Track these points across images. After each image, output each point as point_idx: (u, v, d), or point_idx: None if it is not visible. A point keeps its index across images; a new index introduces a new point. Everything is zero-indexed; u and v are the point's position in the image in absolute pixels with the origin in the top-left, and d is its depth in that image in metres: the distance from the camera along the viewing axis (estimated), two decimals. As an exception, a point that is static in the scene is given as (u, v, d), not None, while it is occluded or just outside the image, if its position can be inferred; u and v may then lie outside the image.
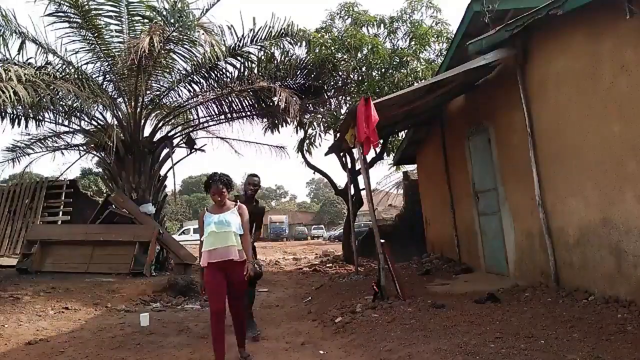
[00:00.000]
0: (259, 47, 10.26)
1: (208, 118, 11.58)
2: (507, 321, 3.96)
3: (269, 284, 8.39)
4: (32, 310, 5.92)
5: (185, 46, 9.73)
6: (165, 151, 10.95)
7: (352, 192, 10.38)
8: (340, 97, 10.88)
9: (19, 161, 11.96)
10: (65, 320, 5.63)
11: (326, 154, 9.53)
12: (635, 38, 3.76)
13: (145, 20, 9.70)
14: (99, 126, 10.37)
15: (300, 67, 10.66)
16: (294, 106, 8.71)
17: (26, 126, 10.36)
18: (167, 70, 10.33)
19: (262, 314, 5.77)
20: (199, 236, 3.92)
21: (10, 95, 6.66)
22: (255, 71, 10.52)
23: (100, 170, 11.77)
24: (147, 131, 10.72)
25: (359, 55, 9.77)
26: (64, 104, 9.84)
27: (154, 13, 9.59)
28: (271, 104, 10.35)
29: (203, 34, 8.65)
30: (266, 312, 6.03)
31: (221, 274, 3.75)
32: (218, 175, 3.90)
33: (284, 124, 11.05)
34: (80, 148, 11.48)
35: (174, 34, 8.90)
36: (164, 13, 9.39)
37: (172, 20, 8.99)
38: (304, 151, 11.28)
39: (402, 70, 9.60)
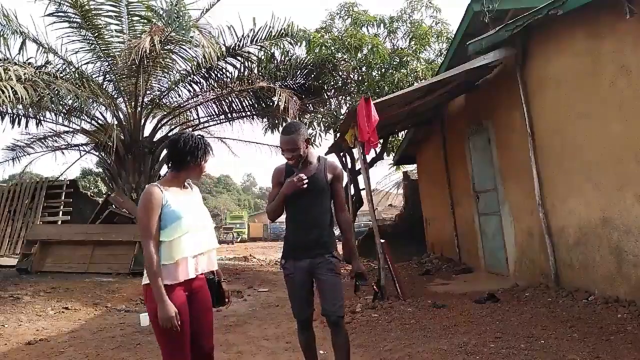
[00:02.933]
0: (259, 47, 10.26)
1: (208, 118, 11.59)
2: (507, 321, 3.96)
3: (270, 284, 8.38)
4: (32, 310, 5.91)
5: (185, 47, 9.74)
6: (165, 151, 10.94)
7: (352, 192, 10.38)
8: (340, 97, 10.88)
9: (19, 160, 11.98)
10: (65, 320, 5.62)
11: (326, 154, 9.53)
12: (635, 38, 3.76)
13: (145, 21, 9.72)
14: (99, 126, 10.37)
15: (300, 67, 10.66)
16: (294, 106, 8.71)
17: (26, 126, 10.36)
18: (167, 71, 10.35)
19: (262, 314, 5.77)
20: (146, 231, 2.16)
21: (9, 95, 6.65)
22: (255, 71, 10.53)
23: (100, 170, 11.76)
24: (147, 131, 10.73)
25: (359, 55, 9.78)
26: (64, 103, 9.83)
27: (152, 13, 9.60)
28: (271, 104, 10.34)
29: (199, 34, 8.65)
30: (266, 312, 6.02)
31: (187, 306, 2.22)
32: (204, 138, 2.36)
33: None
34: (81, 148, 11.49)
35: (172, 34, 8.90)
36: (161, 13, 9.39)
37: (169, 22, 9.00)
38: (304, 151, 11.26)
39: (402, 70, 9.61)
